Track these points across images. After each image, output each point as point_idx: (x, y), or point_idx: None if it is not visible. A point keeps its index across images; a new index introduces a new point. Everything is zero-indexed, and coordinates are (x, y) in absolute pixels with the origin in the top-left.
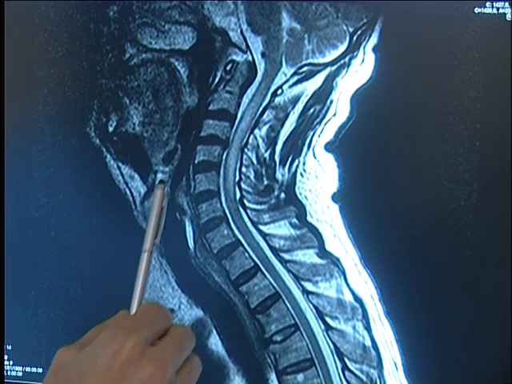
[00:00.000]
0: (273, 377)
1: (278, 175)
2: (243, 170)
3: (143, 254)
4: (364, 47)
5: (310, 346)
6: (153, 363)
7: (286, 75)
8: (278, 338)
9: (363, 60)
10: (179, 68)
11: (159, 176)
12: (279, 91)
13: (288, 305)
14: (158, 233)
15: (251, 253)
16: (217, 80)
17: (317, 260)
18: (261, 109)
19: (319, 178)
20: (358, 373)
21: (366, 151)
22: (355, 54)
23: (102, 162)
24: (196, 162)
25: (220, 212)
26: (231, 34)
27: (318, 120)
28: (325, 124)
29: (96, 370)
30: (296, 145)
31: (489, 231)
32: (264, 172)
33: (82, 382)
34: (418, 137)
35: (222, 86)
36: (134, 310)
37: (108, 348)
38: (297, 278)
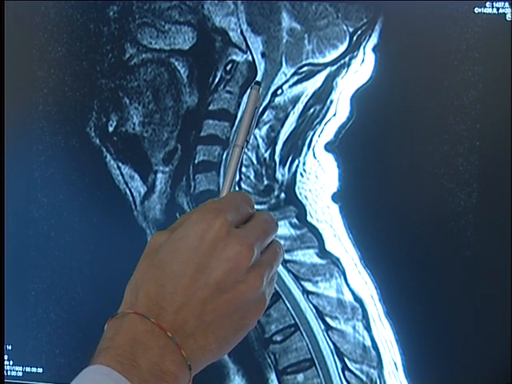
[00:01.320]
0: (273, 377)
1: (278, 175)
2: (243, 169)
3: (235, 149)
4: (364, 47)
5: (310, 346)
6: (239, 242)
7: (285, 75)
8: (278, 338)
9: (363, 60)
10: (179, 68)
11: (159, 176)
12: (279, 91)
13: (288, 305)
14: (250, 131)
15: None
16: (217, 80)
17: (317, 260)
18: (261, 109)
19: (319, 178)
20: (358, 373)
21: (366, 151)
22: (355, 54)
23: (102, 162)
24: (196, 161)
25: None
26: (231, 33)
27: (317, 120)
28: (325, 124)
29: (186, 247)
30: (296, 145)
31: (489, 231)
32: (264, 172)
33: (174, 259)
34: (418, 137)
35: (222, 86)
36: (222, 195)
37: (197, 227)
38: (297, 278)
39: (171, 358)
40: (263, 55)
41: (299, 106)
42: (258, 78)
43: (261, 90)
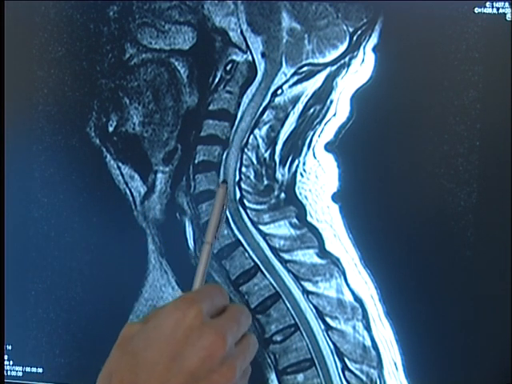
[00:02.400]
0: (273, 377)
1: (278, 175)
2: (243, 169)
3: (205, 246)
4: (364, 47)
5: (310, 346)
6: (213, 332)
7: (285, 75)
8: (278, 338)
9: (363, 60)
10: (179, 68)
11: (159, 176)
12: (279, 91)
13: (288, 305)
14: (219, 228)
15: (251, 253)
16: (217, 80)
17: (317, 260)
18: (261, 109)
19: (319, 178)
20: (358, 373)
21: (366, 151)
22: (355, 53)
23: (102, 162)
24: (196, 161)
25: None
26: (231, 33)
27: (318, 120)
28: (325, 124)
29: (160, 336)
30: (296, 145)
31: (489, 231)
32: (264, 172)
33: (148, 347)
34: (418, 137)
35: (222, 86)
36: (195, 288)
37: (172, 316)
38: (297, 278)
39: None
40: (263, 55)
41: (299, 106)
42: (258, 78)
43: (228, 188)
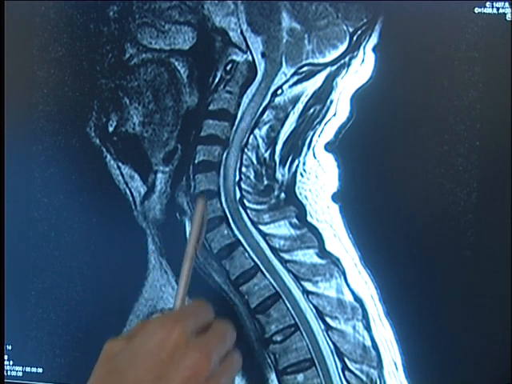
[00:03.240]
0: (273, 377)
1: (278, 175)
2: (243, 169)
3: (185, 261)
4: (364, 47)
5: (310, 346)
6: (198, 350)
7: (285, 75)
8: (278, 338)
9: (363, 60)
10: (179, 68)
11: (159, 176)
12: (279, 91)
13: (288, 305)
14: (200, 241)
15: (251, 253)
16: (217, 80)
17: (317, 260)
18: (261, 109)
19: (319, 178)
20: (358, 373)
21: (366, 151)
22: (355, 54)
23: (102, 162)
24: (196, 161)
25: (220, 212)
26: (231, 33)
27: (318, 120)
28: (325, 124)
29: (145, 355)
30: (296, 145)
31: (489, 231)
32: (264, 172)
33: (133, 366)
34: (418, 137)
35: (222, 86)
36: (177, 306)
37: (156, 336)
38: (297, 278)
39: None
40: (263, 55)
41: (299, 106)
42: (258, 78)
43: (207, 201)
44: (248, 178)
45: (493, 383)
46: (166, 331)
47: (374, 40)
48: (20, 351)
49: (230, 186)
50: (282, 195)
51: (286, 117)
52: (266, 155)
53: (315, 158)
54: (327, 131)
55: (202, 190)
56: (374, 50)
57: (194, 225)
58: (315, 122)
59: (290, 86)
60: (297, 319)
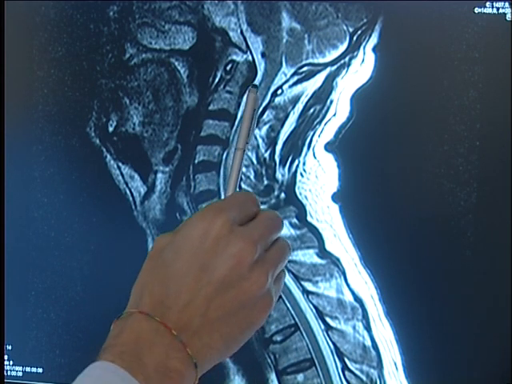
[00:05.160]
0: (273, 377)
1: (278, 175)
2: (243, 169)
3: (237, 152)
4: (364, 47)
5: (310, 346)
6: (241, 239)
7: (285, 75)
8: (278, 337)
9: (363, 60)
10: (179, 68)
11: (159, 176)
12: (279, 91)
13: (288, 305)
14: (250, 133)
15: None
16: (217, 80)
17: (317, 260)
18: (261, 109)
19: (319, 178)
20: (358, 373)
21: (366, 151)
22: (355, 54)
23: (102, 162)
24: (196, 161)
25: None
26: (231, 33)
27: (318, 120)
28: (325, 124)
29: (189, 247)
30: (296, 145)
31: (489, 231)
32: (264, 172)
33: (177, 259)
34: (418, 137)
35: (222, 86)
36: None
37: (199, 226)
38: (297, 278)
39: (176, 355)
40: (263, 55)
41: (299, 106)
42: (258, 78)
43: (258, 92)
44: (248, 178)
45: (493, 383)
46: (208, 221)
47: (373, 40)
48: (20, 351)
49: None
50: (282, 195)
51: (286, 117)
52: (266, 155)
53: (315, 158)
54: (327, 131)
55: (255, 84)
56: (374, 50)
57: (245, 115)
58: (315, 122)
59: (290, 86)
60: (297, 319)
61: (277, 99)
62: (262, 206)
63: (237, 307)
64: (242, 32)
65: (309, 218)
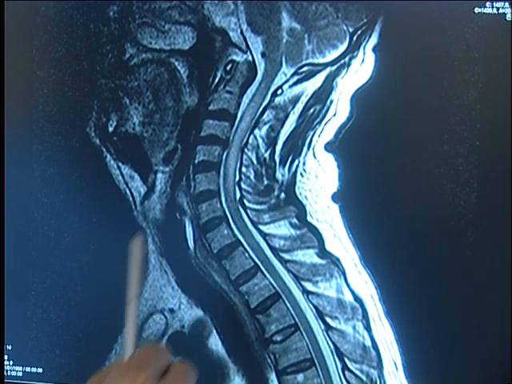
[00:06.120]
0: (273, 377)
1: (278, 175)
2: (243, 169)
3: (130, 304)
4: (364, 47)
5: (310, 346)
6: None
7: (285, 75)
8: (278, 338)
9: (363, 60)
10: (179, 68)
11: (159, 176)
12: (279, 91)
13: (288, 305)
14: (141, 281)
15: (251, 253)
16: (217, 80)
17: (317, 260)
18: (261, 109)
19: (319, 178)
20: (358, 373)
21: (366, 151)
22: (355, 54)
23: (102, 162)
24: (196, 161)
25: (220, 212)
26: (231, 33)
27: (318, 120)
28: (325, 124)
29: None
30: (296, 145)
31: (489, 231)
32: (264, 172)
33: None
34: (418, 137)
35: (222, 86)
36: (131, 352)
37: (123, 382)
38: (297, 278)
39: None
40: (263, 55)
41: (299, 106)
42: (258, 78)
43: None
44: (248, 177)
45: (493, 383)
46: (130, 379)
47: (373, 40)
48: (20, 351)
49: (229, 186)
50: (282, 195)
51: (286, 117)
52: (266, 155)
53: (315, 158)
54: (327, 131)
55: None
56: (374, 50)
57: (133, 267)
58: (315, 122)
59: (290, 86)
60: (297, 319)
61: (277, 99)
62: (262, 206)
63: None
64: (242, 32)
65: (309, 218)
